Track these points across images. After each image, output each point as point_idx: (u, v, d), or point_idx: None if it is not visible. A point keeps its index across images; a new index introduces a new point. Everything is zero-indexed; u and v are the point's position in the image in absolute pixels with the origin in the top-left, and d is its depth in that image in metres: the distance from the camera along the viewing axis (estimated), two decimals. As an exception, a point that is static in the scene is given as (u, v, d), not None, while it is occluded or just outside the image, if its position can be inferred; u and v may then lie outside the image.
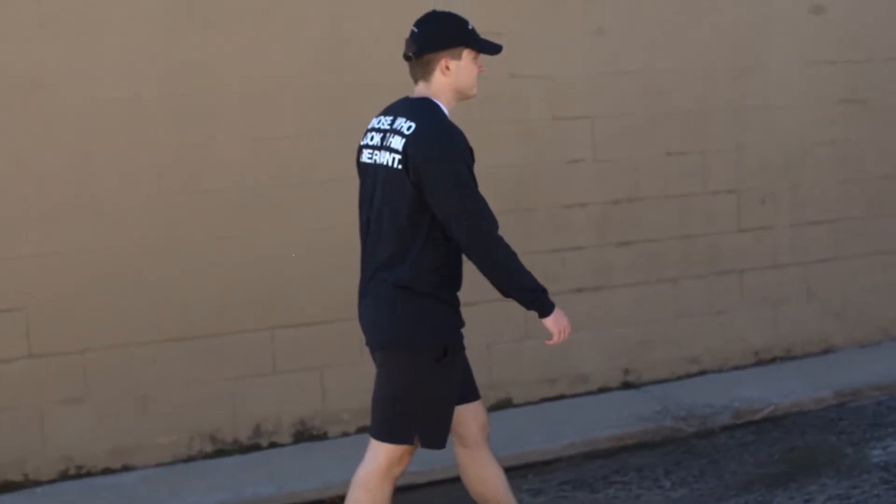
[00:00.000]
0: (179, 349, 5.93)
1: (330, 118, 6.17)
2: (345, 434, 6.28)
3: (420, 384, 4.22)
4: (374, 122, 4.35)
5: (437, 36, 4.26)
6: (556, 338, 4.30)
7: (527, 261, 6.31)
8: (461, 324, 4.34)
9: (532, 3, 6.66)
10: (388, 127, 4.25)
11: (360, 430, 6.23)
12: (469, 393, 4.46)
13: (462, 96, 4.32)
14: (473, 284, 6.56)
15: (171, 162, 5.88)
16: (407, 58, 4.29)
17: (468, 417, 4.44)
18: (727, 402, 6.73)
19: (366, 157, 4.33)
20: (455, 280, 4.32)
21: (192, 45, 5.88)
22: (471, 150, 4.21)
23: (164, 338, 5.90)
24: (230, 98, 5.97)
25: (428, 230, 4.17)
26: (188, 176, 5.91)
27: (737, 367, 7.41)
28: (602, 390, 7.02)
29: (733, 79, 7.25)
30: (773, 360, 7.54)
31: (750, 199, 7.37)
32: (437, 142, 4.13)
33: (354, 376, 6.14)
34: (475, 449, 4.47)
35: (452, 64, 4.24)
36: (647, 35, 6.92)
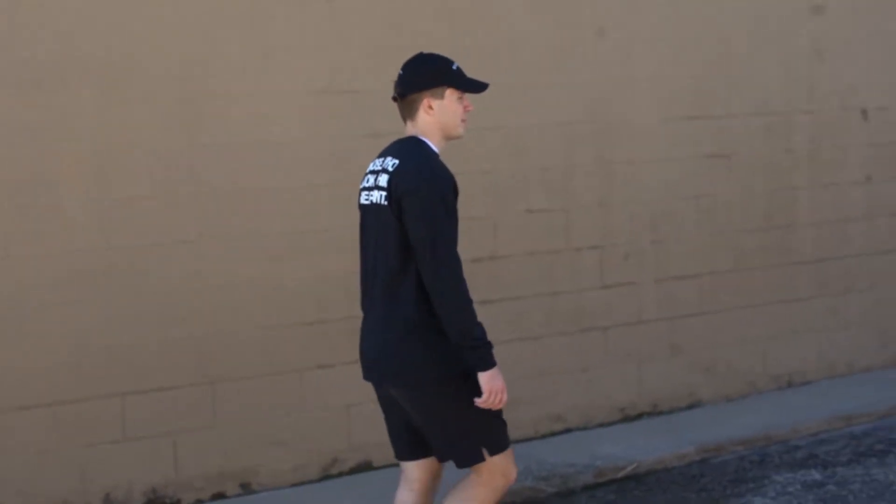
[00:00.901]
0: (24, 417, 5.83)
1: (184, 180, 6.13)
2: (199, 501, 6.22)
3: (463, 405, 4.37)
4: (370, 165, 4.57)
5: (420, 76, 4.48)
6: (485, 396, 4.34)
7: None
8: None
9: (389, 60, 6.68)
10: (379, 168, 4.47)
11: (215, 497, 6.19)
12: None
13: (447, 135, 4.52)
14: (332, 349, 6.59)
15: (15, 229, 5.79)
16: (394, 99, 4.55)
17: (426, 464, 4.63)
18: (589, 460, 6.78)
19: (363, 199, 4.55)
20: None
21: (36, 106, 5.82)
22: (454, 187, 4.41)
23: (8, 405, 5.80)
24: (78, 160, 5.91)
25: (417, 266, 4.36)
26: (35, 239, 5.83)
27: (602, 425, 7.47)
28: (467, 450, 7.03)
29: (596, 134, 7.35)
30: (639, 416, 7.63)
31: (614, 254, 7.46)
32: (417, 174, 4.34)
33: (208, 442, 6.11)
34: (421, 497, 4.64)
35: (435, 103, 4.46)
36: (507, 91, 6.99)
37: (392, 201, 4.34)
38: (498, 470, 4.50)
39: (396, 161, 4.40)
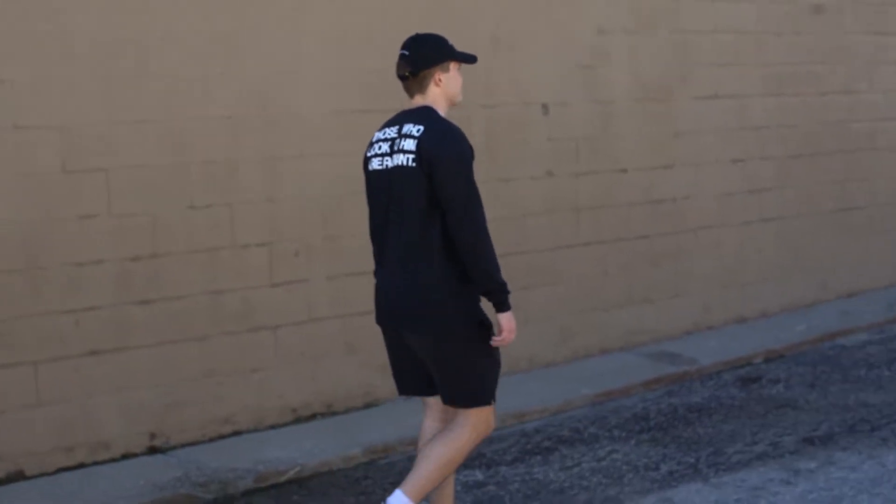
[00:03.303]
0: None
1: None
2: None
3: (476, 353, 5.15)
4: (378, 135, 5.29)
5: (429, 54, 5.23)
6: (504, 335, 5.11)
7: (35, 324, 6.30)
8: (479, 300, 5.21)
9: (39, 50, 6.56)
10: (395, 135, 5.17)
11: None
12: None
13: (451, 102, 5.32)
14: None
15: None
16: (403, 77, 5.25)
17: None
18: (252, 464, 6.80)
19: (375, 164, 5.24)
20: None
21: None
22: (471, 147, 5.12)
23: None
24: None
25: (443, 221, 5.04)
26: None
27: (274, 426, 7.50)
28: (126, 457, 6.95)
29: (262, 127, 7.35)
30: (312, 417, 7.69)
31: (283, 252, 7.49)
32: (445, 136, 5.07)
33: None
34: (445, 424, 5.39)
35: (443, 76, 5.25)
36: (162, 83, 6.93)
37: (422, 162, 5.02)
38: (484, 417, 5.25)
39: (421, 127, 5.09)
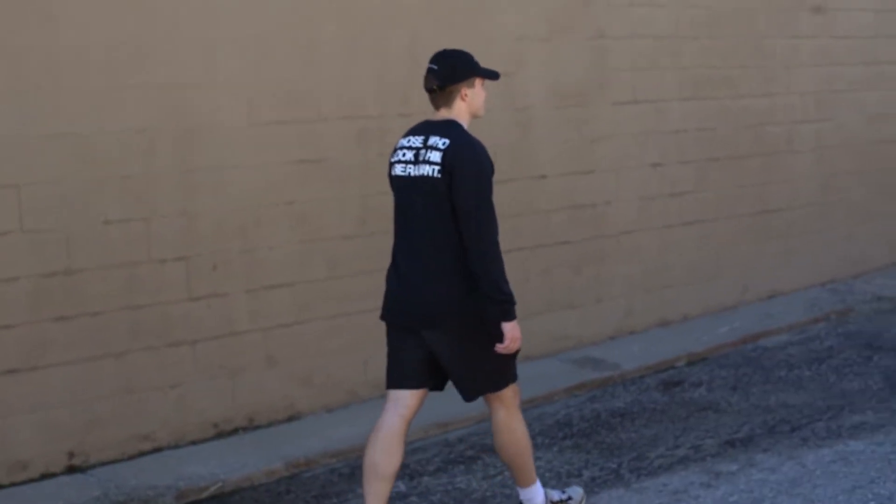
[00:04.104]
0: None
1: None
2: None
3: (493, 336, 5.53)
4: (403, 142, 5.67)
5: (457, 70, 5.61)
6: (507, 343, 5.50)
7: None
8: None
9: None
10: (420, 145, 5.55)
11: None
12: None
13: (475, 116, 5.72)
14: None
15: None
16: (430, 90, 5.63)
17: (421, 394, 5.81)
18: (173, 481, 6.79)
19: (398, 170, 5.64)
20: None
21: None
22: (492, 163, 5.55)
23: None
24: None
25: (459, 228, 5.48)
26: None
27: (195, 442, 7.48)
28: (45, 477, 6.90)
29: (178, 140, 7.32)
30: (234, 432, 7.67)
31: (201, 265, 7.47)
32: (468, 150, 5.47)
33: None
34: (406, 422, 5.78)
35: (469, 92, 5.63)
36: (74, 96, 6.90)
37: (445, 173, 5.42)
38: (511, 393, 5.78)
39: (447, 140, 5.47)
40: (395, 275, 5.73)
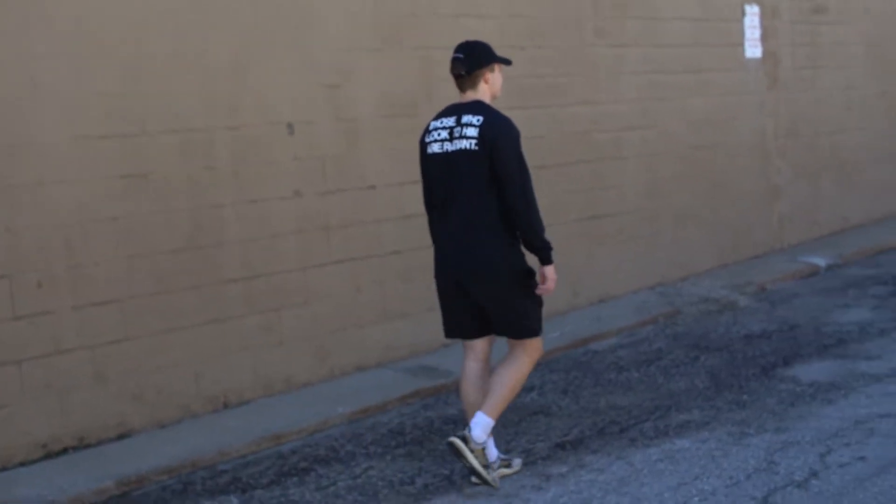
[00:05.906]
0: None
1: None
2: None
3: (528, 294, 6.67)
4: (435, 123, 6.69)
5: (481, 57, 6.67)
6: (549, 284, 6.61)
7: None
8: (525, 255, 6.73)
9: None
10: (454, 124, 6.58)
11: None
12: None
13: (494, 96, 6.76)
14: None
15: None
16: (459, 76, 6.66)
17: (489, 339, 6.88)
18: (0, 505, 6.75)
19: (435, 148, 6.64)
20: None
21: None
22: (519, 132, 6.59)
23: None
24: None
25: (498, 193, 6.50)
26: None
27: (23, 464, 7.42)
28: None
29: (-1, 155, 7.30)
30: (64, 451, 7.62)
31: (25, 283, 7.43)
32: (503, 124, 6.55)
33: None
34: (485, 363, 6.88)
35: (490, 76, 6.71)
36: None
37: (485, 145, 6.45)
38: (536, 346, 6.76)
39: (480, 117, 6.51)
40: (441, 239, 6.71)
